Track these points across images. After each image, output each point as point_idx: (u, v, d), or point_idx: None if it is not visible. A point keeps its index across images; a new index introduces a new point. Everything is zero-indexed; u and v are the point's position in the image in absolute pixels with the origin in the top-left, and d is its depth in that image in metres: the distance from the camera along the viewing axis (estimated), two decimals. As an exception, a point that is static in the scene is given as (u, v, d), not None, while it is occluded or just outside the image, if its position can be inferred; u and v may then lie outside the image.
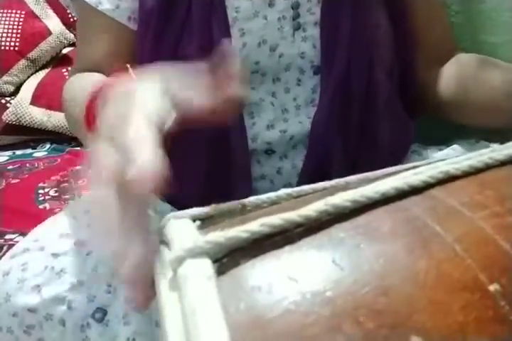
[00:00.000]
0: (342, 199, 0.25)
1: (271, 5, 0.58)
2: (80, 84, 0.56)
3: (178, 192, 0.60)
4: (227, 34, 0.56)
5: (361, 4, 0.58)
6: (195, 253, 0.23)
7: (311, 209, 0.25)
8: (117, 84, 0.37)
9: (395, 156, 0.63)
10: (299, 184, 0.59)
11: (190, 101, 0.33)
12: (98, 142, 0.31)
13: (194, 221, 0.27)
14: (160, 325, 0.23)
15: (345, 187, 0.27)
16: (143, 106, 0.31)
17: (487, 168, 0.28)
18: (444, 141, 0.67)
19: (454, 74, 0.64)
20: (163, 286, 0.24)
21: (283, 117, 0.60)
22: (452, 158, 0.30)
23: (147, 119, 0.30)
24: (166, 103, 0.33)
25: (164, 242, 0.27)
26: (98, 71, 0.59)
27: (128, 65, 0.43)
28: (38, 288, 0.50)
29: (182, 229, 0.26)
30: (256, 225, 0.24)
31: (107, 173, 0.28)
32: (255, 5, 0.57)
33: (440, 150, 0.66)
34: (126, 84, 0.37)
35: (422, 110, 0.68)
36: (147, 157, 0.26)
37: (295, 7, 0.58)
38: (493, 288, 0.22)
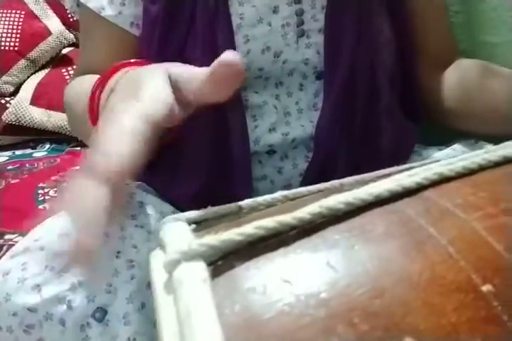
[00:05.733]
0: (336, 201, 0.25)
1: (275, 12, 0.58)
2: (81, 86, 0.57)
3: (179, 193, 0.60)
4: (231, 41, 0.56)
5: (365, 11, 0.58)
6: (190, 256, 0.23)
7: (306, 212, 0.25)
8: (122, 73, 0.39)
9: (398, 159, 0.63)
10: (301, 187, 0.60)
11: (192, 76, 0.36)
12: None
13: (190, 224, 0.27)
14: (156, 328, 0.23)
15: (340, 189, 0.28)
16: (143, 99, 0.33)
17: (481, 169, 0.28)
18: (444, 141, 0.67)
19: (456, 82, 0.64)
20: (158, 289, 0.24)
21: (285, 120, 0.60)
22: (448, 159, 0.30)
23: (139, 114, 0.32)
24: (167, 90, 0.35)
25: (160, 245, 0.27)
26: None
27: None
28: (38, 287, 0.50)
29: (177, 232, 0.26)
30: (250, 228, 0.24)
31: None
32: (259, 11, 0.57)
33: (440, 150, 0.66)
34: (130, 72, 0.38)
35: (424, 115, 0.68)
36: (117, 148, 0.29)
37: (299, 14, 0.58)
38: (485, 288, 0.22)
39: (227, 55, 0.34)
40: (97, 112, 0.45)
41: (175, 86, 0.37)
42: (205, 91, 0.36)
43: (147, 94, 0.35)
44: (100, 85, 0.47)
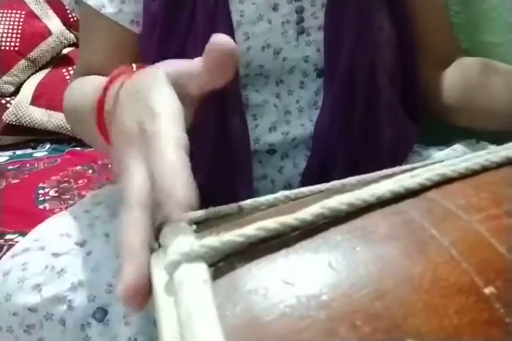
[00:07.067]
0: (338, 202, 0.25)
1: (275, 9, 0.58)
2: (84, 90, 0.56)
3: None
4: (232, 38, 0.56)
5: (364, 8, 0.58)
6: (191, 257, 0.23)
7: (307, 213, 0.25)
8: (125, 81, 0.37)
9: (397, 158, 0.63)
10: (300, 186, 0.60)
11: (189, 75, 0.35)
12: (121, 153, 0.31)
13: (191, 224, 0.27)
14: (156, 329, 0.23)
15: (342, 190, 0.27)
16: (164, 119, 0.31)
17: (484, 170, 0.28)
18: (444, 141, 0.67)
19: (457, 80, 0.64)
20: (159, 290, 0.24)
21: (285, 119, 0.60)
22: (450, 159, 0.30)
23: (174, 140, 0.31)
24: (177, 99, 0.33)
25: (161, 246, 0.27)
26: (99, 74, 0.59)
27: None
28: (38, 287, 0.50)
29: (178, 233, 0.26)
30: (251, 229, 0.24)
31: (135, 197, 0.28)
32: (259, 9, 0.57)
33: (440, 150, 0.66)
34: (134, 81, 0.37)
35: (425, 112, 0.68)
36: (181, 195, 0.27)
37: (299, 11, 0.58)
38: (488, 291, 0.22)
39: (216, 38, 0.34)
40: (103, 119, 0.43)
41: (177, 87, 0.35)
42: (205, 79, 0.35)
43: (163, 115, 0.32)
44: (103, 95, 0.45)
